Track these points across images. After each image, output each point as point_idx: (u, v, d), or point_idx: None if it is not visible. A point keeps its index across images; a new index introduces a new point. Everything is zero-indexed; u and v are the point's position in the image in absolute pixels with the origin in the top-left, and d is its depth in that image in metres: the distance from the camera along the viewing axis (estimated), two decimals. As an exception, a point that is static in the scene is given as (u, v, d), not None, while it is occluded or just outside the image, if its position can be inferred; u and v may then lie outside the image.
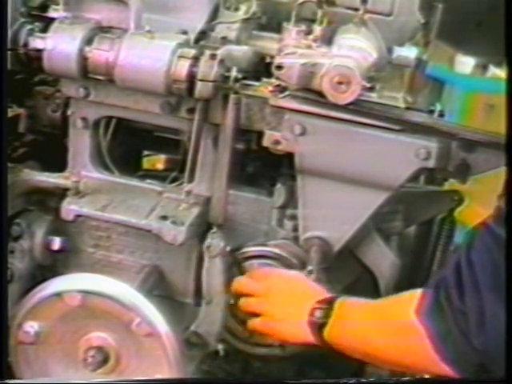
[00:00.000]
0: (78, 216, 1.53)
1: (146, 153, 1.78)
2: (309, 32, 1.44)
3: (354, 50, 1.41)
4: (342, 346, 1.37)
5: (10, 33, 1.43)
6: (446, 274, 1.24)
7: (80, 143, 1.56)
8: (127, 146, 1.66)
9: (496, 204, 1.22)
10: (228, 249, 1.50)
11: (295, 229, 1.54)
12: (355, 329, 1.37)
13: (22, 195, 1.57)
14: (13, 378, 1.45)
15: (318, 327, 1.40)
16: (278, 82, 1.44)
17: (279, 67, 1.41)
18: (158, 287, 1.56)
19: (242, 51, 1.50)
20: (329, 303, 1.41)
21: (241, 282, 1.52)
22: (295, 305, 1.45)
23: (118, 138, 1.61)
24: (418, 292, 1.29)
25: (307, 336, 1.41)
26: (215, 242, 1.49)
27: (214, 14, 1.54)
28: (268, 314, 1.48)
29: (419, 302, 1.26)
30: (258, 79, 1.48)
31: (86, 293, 1.42)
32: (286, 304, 1.47)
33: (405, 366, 1.31)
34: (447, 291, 1.22)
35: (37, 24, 1.46)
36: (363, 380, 1.37)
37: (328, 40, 1.44)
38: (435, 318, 1.23)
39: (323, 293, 1.46)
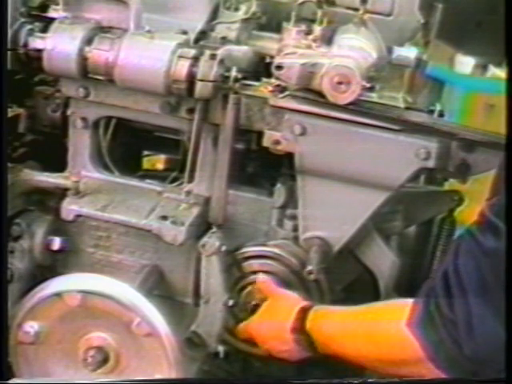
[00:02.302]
0: (78, 216, 1.53)
1: (146, 153, 1.78)
2: (309, 32, 1.44)
3: (354, 50, 1.41)
4: (342, 357, 1.39)
5: (9, 33, 1.43)
6: (435, 284, 1.25)
7: (80, 143, 1.56)
8: (127, 145, 1.66)
9: (480, 209, 1.21)
10: (223, 248, 1.50)
11: (295, 229, 1.54)
12: (344, 343, 1.38)
13: (21, 195, 1.57)
14: (13, 377, 1.45)
15: (313, 350, 1.43)
16: (277, 82, 1.43)
17: (279, 67, 1.41)
18: (158, 287, 1.56)
19: (242, 51, 1.50)
20: (301, 331, 1.43)
21: None
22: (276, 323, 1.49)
23: (118, 138, 1.61)
24: (408, 302, 1.29)
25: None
26: (211, 240, 1.49)
27: (214, 14, 1.54)
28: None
29: (410, 314, 1.26)
30: (257, 79, 1.48)
31: (85, 293, 1.42)
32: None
33: (402, 375, 1.31)
34: (437, 301, 1.22)
35: (37, 24, 1.46)
36: (364, 380, 1.37)
37: (328, 40, 1.44)
38: (427, 328, 1.23)
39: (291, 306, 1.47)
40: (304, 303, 1.47)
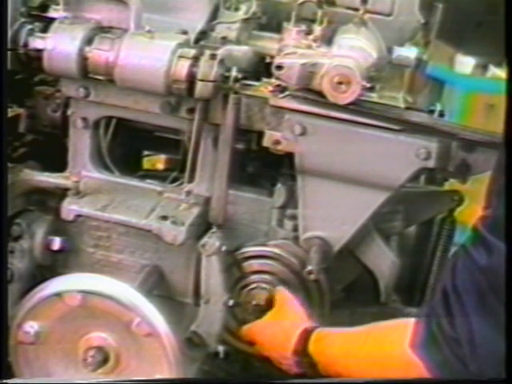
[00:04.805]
0: (78, 216, 1.53)
1: (146, 153, 1.78)
2: (309, 32, 1.44)
3: (353, 50, 1.41)
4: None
5: (9, 33, 1.43)
6: (435, 303, 1.24)
7: (80, 143, 1.56)
8: (127, 146, 1.66)
9: (473, 224, 1.21)
10: (224, 248, 1.50)
11: (295, 229, 1.54)
12: (347, 365, 1.36)
13: (22, 195, 1.57)
14: (13, 377, 1.45)
15: (314, 371, 1.41)
16: (278, 82, 1.43)
17: (279, 67, 1.41)
18: (158, 287, 1.56)
19: (242, 51, 1.50)
20: (303, 353, 1.42)
21: None
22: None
23: (118, 138, 1.61)
24: (410, 323, 1.27)
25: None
26: (211, 240, 1.49)
27: (214, 14, 1.55)
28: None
29: (413, 335, 1.25)
30: (258, 79, 1.48)
31: (85, 293, 1.42)
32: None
33: None
34: (438, 320, 1.21)
35: (37, 24, 1.46)
36: (365, 380, 1.37)
37: (328, 40, 1.45)
38: (430, 348, 1.22)
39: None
40: (308, 325, 1.46)
